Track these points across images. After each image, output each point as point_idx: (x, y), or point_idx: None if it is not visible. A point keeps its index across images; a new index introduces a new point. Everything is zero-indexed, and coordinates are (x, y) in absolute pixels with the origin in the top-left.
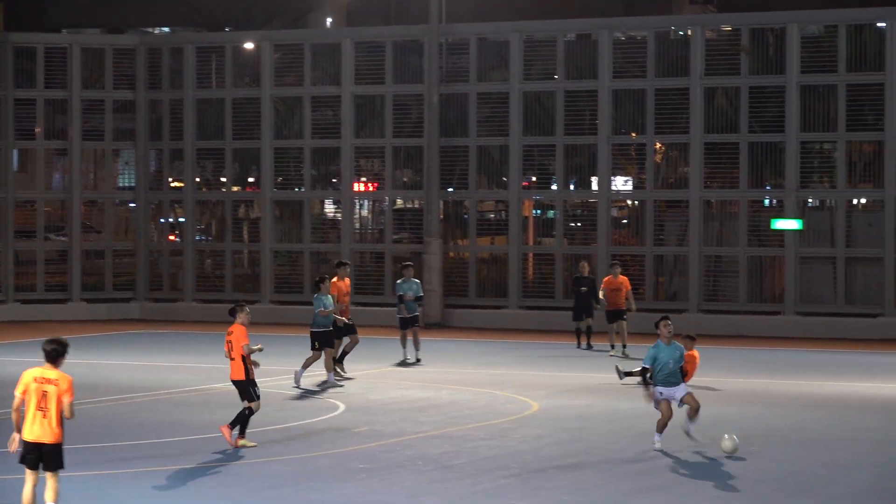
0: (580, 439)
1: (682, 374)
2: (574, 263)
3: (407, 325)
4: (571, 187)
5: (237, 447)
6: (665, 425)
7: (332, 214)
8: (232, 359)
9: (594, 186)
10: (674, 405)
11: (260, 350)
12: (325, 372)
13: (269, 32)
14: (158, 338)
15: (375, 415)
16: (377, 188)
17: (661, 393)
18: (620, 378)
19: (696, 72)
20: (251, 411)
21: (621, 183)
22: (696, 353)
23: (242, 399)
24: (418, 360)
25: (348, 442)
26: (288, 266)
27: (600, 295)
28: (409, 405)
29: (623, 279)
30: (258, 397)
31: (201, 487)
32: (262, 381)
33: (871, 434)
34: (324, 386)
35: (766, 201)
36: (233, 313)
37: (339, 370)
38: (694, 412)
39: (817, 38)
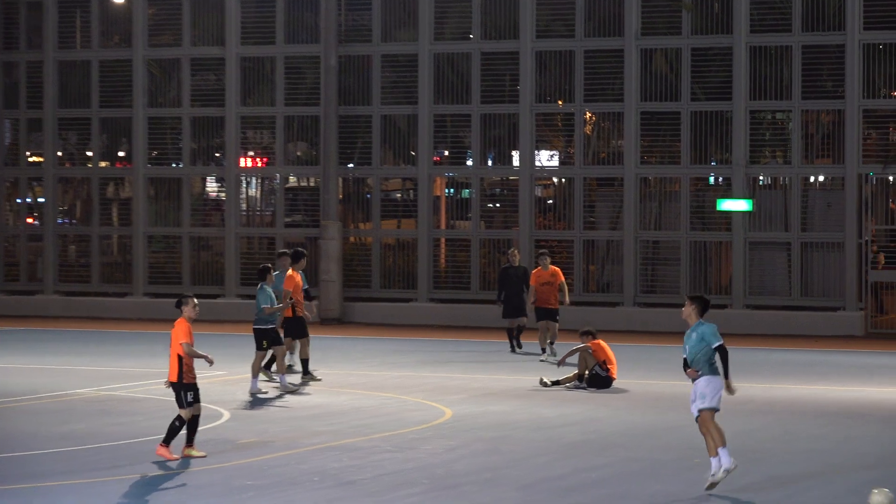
0: (499, 451)
1: (607, 371)
2: (492, 249)
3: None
4: (489, 163)
5: (185, 457)
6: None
7: (214, 194)
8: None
9: (515, 162)
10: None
11: (209, 363)
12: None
13: None
14: (13, 336)
15: (264, 424)
16: (267, 164)
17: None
18: (545, 385)
19: (631, 31)
20: (181, 421)
21: (546, 158)
22: (601, 342)
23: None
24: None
25: (233, 455)
26: (164, 253)
27: (530, 292)
28: (304, 413)
29: (555, 270)
30: (190, 404)
31: None
32: (143, 385)
33: (822, 444)
34: (283, 390)
35: (711, 179)
36: (178, 306)
37: (265, 375)
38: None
39: None
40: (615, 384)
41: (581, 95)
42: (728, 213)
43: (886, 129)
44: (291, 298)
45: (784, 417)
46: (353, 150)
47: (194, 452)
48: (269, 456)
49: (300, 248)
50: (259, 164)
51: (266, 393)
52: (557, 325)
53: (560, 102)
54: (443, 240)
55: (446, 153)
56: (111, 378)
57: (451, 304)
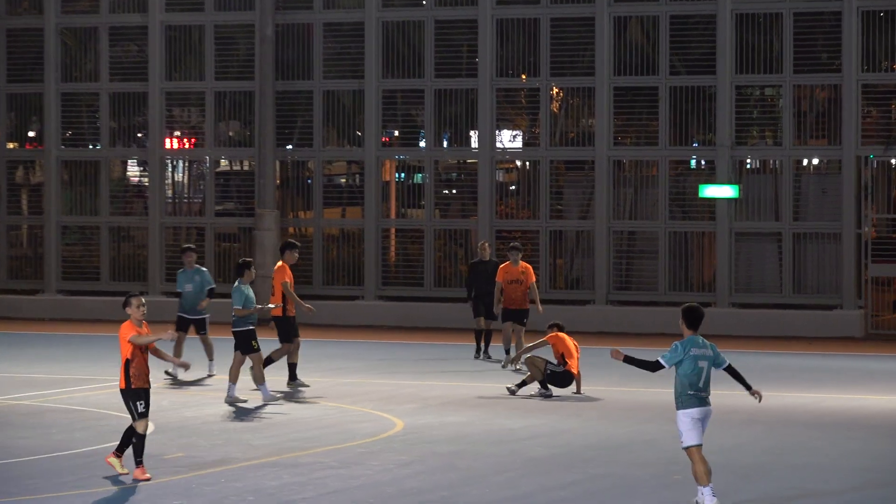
0: (456, 467)
1: (565, 365)
2: (449, 241)
3: (185, 328)
4: (444, 144)
5: (108, 464)
6: (709, 476)
7: (136, 179)
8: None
9: (474, 143)
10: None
11: (185, 369)
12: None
13: None
14: None
15: (193, 437)
16: (195, 145)
17: (696, 420)
18: (512, 392)
19: None
20: (135, 434)
21: (508, 139)
22: (563, 335)
23: None
24: (210, 375)
25: (158, 471)
26: (80, 246)
27: (496, 290)
28: (237, 424)
29: (525, 267)
30: (142, 414)
31: None
32: (51, 393)
33: (818, 459)
34: (266, 401)
35: (693, 162)
36: (123, 307)
37: (296, 384)
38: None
39: None
40: (589, 391)
41: (547, 69)
42: (712, 201)
43: (888, 107)
44: (272, 305)
45: (775, 429)
46: (292, 129)
47: (118, 466)
48: (198, 473)
49: (291, 240)
50: (186, 146)
51: (245, 402)
52: (524, 328)
53: (523, 77)
54: (393, 230)
55: (396, 133)
56: (20, 386)
57: (402, 303)
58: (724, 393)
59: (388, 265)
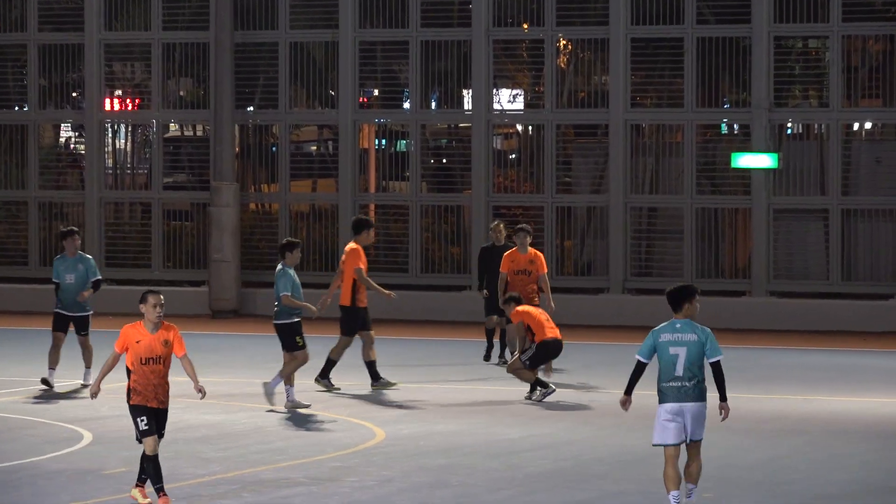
0: (447, 484)
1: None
2: (438, 219)
3: (64, 327)
4: (433, 106)
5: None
6: (677, 483)
7: (71, 146)
8: None
9: (467, 105)
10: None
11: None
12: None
13: None
14: None
15: (137, 449)
16: (140, 107)
17: (668, 418)
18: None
19: None
20: (143, 457)
21: (508, 99)
22: (522, 308)
23: None
24: (47, 386)
25: (96, 489)
26: (5, 224)
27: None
28: (189, 434)
29: (535, 255)
30: (143, 433)
31: None
32: None
33: (874, 476)
34: (290, 404)
35: (724, 127)
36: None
37: (325, 383)
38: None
39: None
40: (601, 396)
41: (553, 17)
42: (746, 172)
43: None
44: (314, 308)
45: (821, 439)
46: (253, 88)
47: (139, 498)
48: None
49: (363, 217)
50: (129, 108)
51: (308, 406)
52: None
53: (525, 26)
54: (372, 206)
55: (376, 93)
56: None
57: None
58: (759, 397)
59: (367, 248)
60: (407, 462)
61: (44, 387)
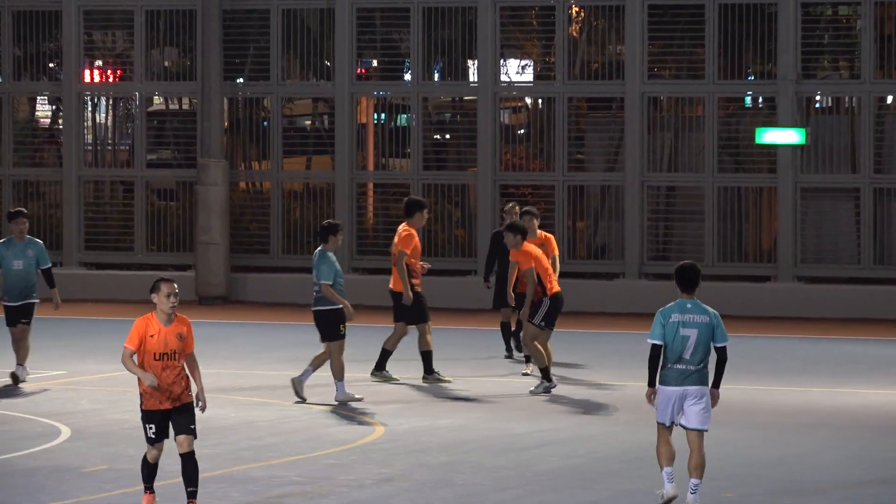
0: (451, 483)
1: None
2: (441, 199)
3: (16, 321)
4: (436, 77)
5: None
6: (670, 460)
7: (48, 121)
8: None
9: (472, 76)
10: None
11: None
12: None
13: None
14: None
15: (119, 444)
16: (121, 79)
17: (669, 400)
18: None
19: None
20: (144, 462)
21: (516, 70)
22: (529, 248)
23: None
24: (19, 381)
25: (77, 488)
26: None
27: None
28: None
29: (546, 238)
30: (151, 440)
31: None
32: None
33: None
34: (342, 397)
35: (748, 100)
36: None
37: (383, 374)
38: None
39: None
40: (616, 388)
41: None
42: (772, 148)
43: None
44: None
45: (851, 434)
46: (243, 59)
47: None
48: (124, 490)
49: (416, 197)
50: (110, 79)
51: (361, 399)
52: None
53: None
54: (370, 185)
55: (375, 64)
56: None
57: (381, 276)
58: (785, 389)
59: (365, 229)
60: (408, 459)
61: (13, 382)
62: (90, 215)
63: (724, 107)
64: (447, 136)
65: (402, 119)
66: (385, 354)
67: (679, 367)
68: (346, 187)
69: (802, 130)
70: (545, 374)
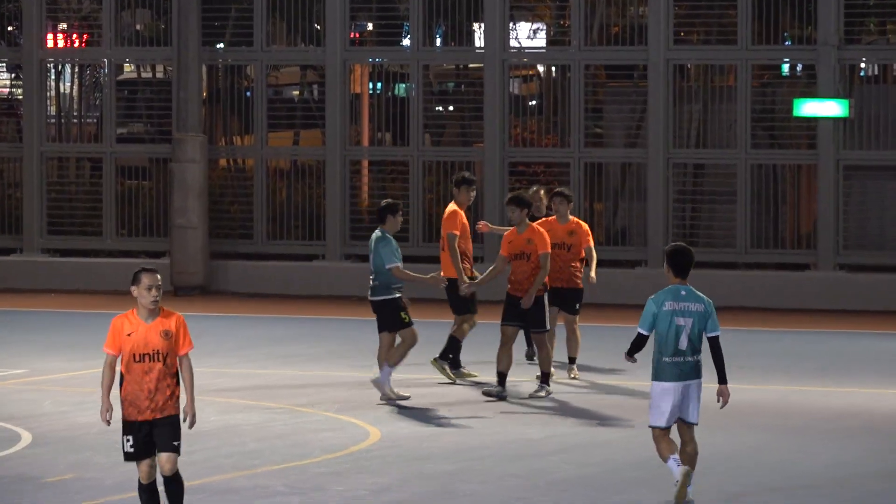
0: (454, 494)
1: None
2: (444, 178)
3: None
4: (438, 43)
5: None
6: (674, 450)
7: (6, 91)
8: None
9: (478, 41)
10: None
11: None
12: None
13: None
14: None
15: (86, 451)
16: (88, 44)
17: (667, 398)
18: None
19: None
20: (139, 487)
21: (527, 35)
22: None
23: None
24: None
25: (37, 499)
26: None
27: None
28: None
29: (577, 224)
30: (128, 455)
31: None
32: None
33: None
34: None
35: (785, 68)
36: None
37: (460, 372)
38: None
39: None
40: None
41: None
42: (812, 121)
43: None
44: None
45: None
46: (224, 22)
47: None
48: (91, 502)
49: (467, 173)
50: (76, 45)
51: (408, 398)
52: (577, 318)
53: None
54: (365, 163)
55: (370, 27)
56: None
57: None
58: (826, 390)
59: (359, 212)
60: (406, 467)
61: None
62: (53, 196)
63: (759, 75)
64: (451, 109)
65: (401, 89)
66: (454, 346)
67: (677, 359)
68: (338, 165)
69: (845, 102)
70: (545, 380)
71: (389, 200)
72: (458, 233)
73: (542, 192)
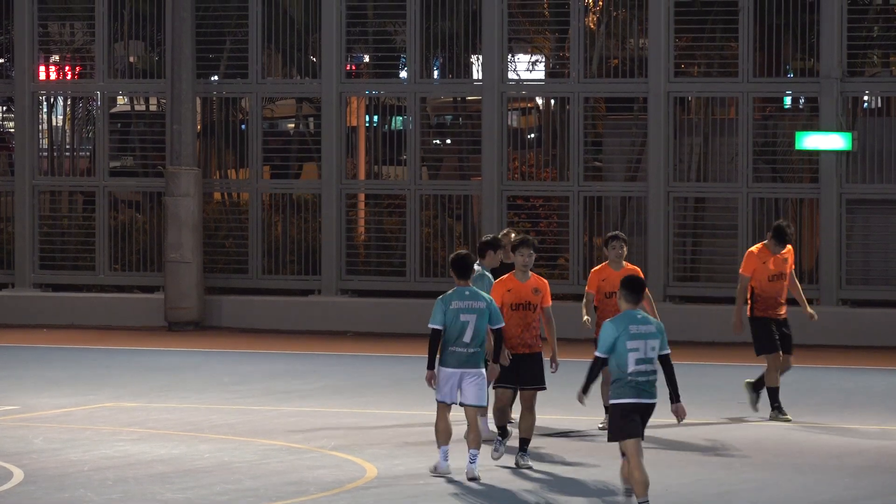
0: None
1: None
2: (441, 211)
3: None
4: (435, 75)
5: None
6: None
7: None
8: None
9: (476, 73)
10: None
11: None
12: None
13: None
14: None
15: (79, 489)
16: (81, 76)
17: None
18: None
19: None
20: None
21: (525, 67)
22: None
23: None
24: None
25: None
26: None
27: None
28: (141, 470)
29: (632, 271)
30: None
31: None
32: None
33: None
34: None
35: (787, 100)
36: None
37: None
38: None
39: None
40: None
41: None
42: (814, 155)
43: None
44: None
45: None
46: (218, 54)
47: None
48: None
49: (492, 237)
50: (68, 77)
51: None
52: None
53: None
54: (362, 197)
55: (367, 59)
56: None
57: (375, 299)
58: (830, 427)
59: (356, 246)
60: None
61: None
62: (45, 230)
63: (760, 108)
64: (448, 141)
65: (398, 122)
66: (772, 393)
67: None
68: (334, 198)
69: (848, 135)
70: (502, 433)
71: (490, 236)
72: (748, 274)
73: (511, 234)
